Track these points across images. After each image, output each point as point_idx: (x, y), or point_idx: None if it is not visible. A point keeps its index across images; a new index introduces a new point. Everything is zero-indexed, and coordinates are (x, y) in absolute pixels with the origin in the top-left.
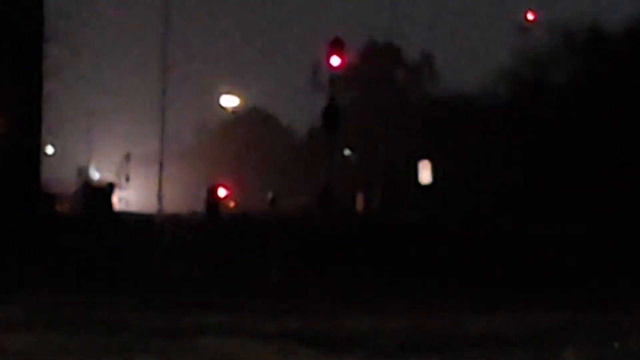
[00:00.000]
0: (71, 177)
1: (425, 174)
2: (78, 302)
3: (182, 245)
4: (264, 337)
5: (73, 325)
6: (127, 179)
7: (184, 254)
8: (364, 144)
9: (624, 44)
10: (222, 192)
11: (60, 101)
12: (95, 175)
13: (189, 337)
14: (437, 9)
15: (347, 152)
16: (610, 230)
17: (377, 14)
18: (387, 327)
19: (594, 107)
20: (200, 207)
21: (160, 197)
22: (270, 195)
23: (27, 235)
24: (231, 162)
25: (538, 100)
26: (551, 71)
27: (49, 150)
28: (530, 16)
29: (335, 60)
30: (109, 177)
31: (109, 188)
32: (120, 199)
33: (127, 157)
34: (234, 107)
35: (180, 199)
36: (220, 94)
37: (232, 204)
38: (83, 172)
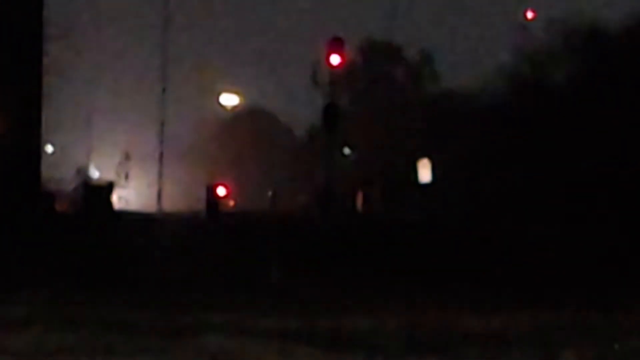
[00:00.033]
0: (71, 176)
1: (424, 172)
2: (78, 301)
3: (182, 244)
4: (264, 336)
5: (73, 325)
6: (127, 178)
7: (184, 253)
8: (363, 143)
9: (623, 42)
10: (221, 191)
11: (60, 100)
12: (94, 174)
13: (189, 336)
14: (437, 8)
15: (346, 151)
16: (610, 229)
17: (377, 12)
18: (387, 326)
19: (594, 106)
20: (200, 206)
21: (160, 196)
22: (270, 194)
23: (26, 234)
24: (231, 161)
25: (537, 99)
26: (551, 70)
27: (49, 149)
28: (529, 15)
29: (335, 59)
30: (109, 176)
31: (109, 187)
32: (119, 198)
33: (127, 156)
34: (234, 106)
35: (180, 198)
36: (220, 92)
37: (231, 203)
38: (82, 171)
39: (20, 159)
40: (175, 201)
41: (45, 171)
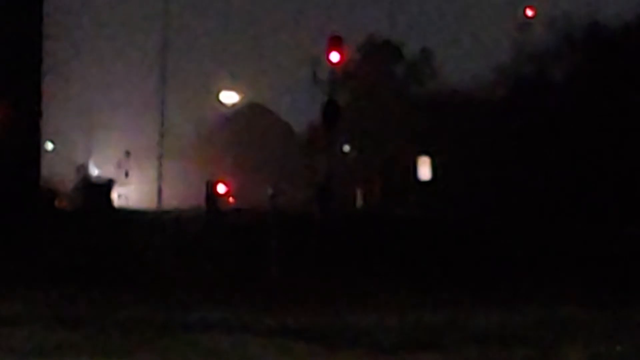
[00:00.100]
0: (70, 173)
1: (424, 170)
2: (78, 298)
3: (181, 242)
4: (264, 333)
5: (73, 321)
6: (127, 175)
7: (184, 251)
8: (363, 140)
9: (623, 39)
10: (221, 188)
11: (60, 98)
12: (94, 171)
13: (189, 332)
14: (437, 5)
15: (346, 148)
16: (610, 227)
17: (377, 9)
18: (387, 323)
19: (594, 103)
20: (200, 203)
21: (159, 193)
22: (269, 191)
23: (26, 231)
24: (230, 158)
25: (537, 96)
26: (551, 67)
27: (49, 146)
28: (529, 12)
29: (334, 57)
30: (109, 173)
31: (109, 184)
32: (119, 196)
33: (127, 153)
34: (234, 103)
35: (179, 195)
36: (219, 90)
37: (231, 200)
38: (82, 168)
39: (20, 157)
40: (175, 198)
41: (45, 169)
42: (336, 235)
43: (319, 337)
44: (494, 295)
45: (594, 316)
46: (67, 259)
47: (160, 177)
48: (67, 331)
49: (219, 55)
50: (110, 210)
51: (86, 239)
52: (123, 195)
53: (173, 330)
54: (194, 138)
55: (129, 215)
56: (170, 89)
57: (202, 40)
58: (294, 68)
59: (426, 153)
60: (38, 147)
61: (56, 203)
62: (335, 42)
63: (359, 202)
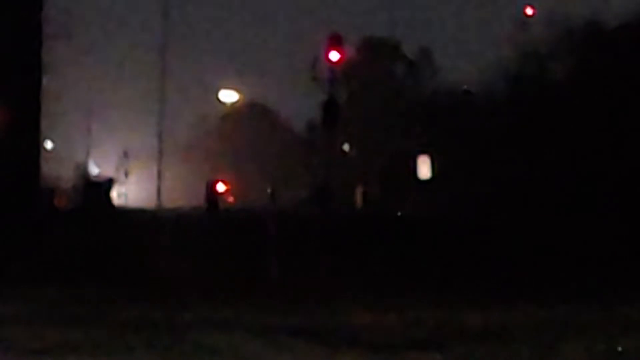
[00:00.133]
0: (70, 172)
1: (424, 169)
2: (77, 297)
3: (181, 241)
4: (263, 332)
5: (73, 320)
6: (126, 175)
7: (184, 250)
8: (362, 139)
9: (622, 38)
10: (221, 187)
11: (59, 96)
12: (94, 170)
13: (189, 331)
14: (436, 4)
15: (346, 147)
16: (610, 225)
17: (376, 8)
18: (386, 322)
19: (593, 101)
20: (199, 202)
21: (159, 192)
22: (269, 190)
23: (26, 230)
24: (230, 157)
25: (537, 94)
26: (550, 66)
27: (48, 145)
28: (529, 11)
29: (334, 56)
30: (108, 172)
31: (108, 183)
32: (119, 194)
33: (127, 152)
34: (233, 102)
35: (179, 194)
36: (219, 89)
37: (231, 199)
38: (82, 167)
39: (19, 155)
40: (174, 197)
41: (45, 167)
42: (335, 234)
43: (318, 336)
44: (494, 294)
45: (594, 315)
46: (66, 258)
47: (159, 176)
48: (67, 330)
49: (219, 55)
50: (109, 209)
51: (86, 238)
52: (123, 194)
53: (173, 329)
54: (193, 137)
55: (128, 214)
56: (169, 89)
57: (201, 40)
58: (294, 67)
59: (426, 152)
60: (38, 145)
61: (56, 202)
62: (335, 41)
63: (359, 201)
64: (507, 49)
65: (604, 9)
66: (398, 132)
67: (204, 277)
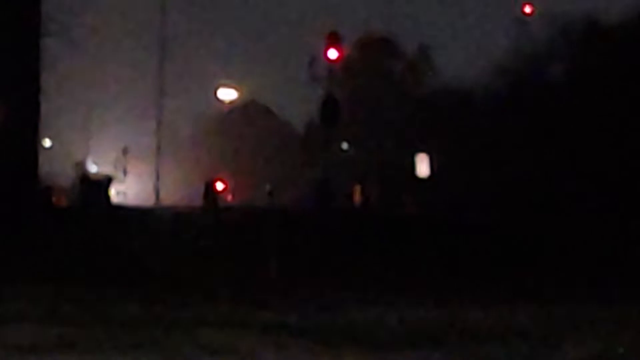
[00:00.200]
0: (69, 171)
1: (422, 167)
2: (76, 295)
3: (179, 239)
4: (262, 330)
5: (71, 319)
6: (125, 173)
7: (182, 248)
8: (361, 137)
9: (621, 36)
10: (219, 186)
11: (58, 94)
12: (92, 168)
13: (187, 329)
14: (435, 3)
15: (344, 145)
16: (609, 223)
17: (374, 6)
18: (386, 320)
19: (592, 100)
20: (198, 200)
21: (157, 191)
22: (268, 188)
23: (24, 229)
24: (229, 155)
25: (535, 93)
26: (548, 64)
27: (47, 143)
28: (527, 9)
29: (332, 54)
30: (107, 170)
31: (107, 181)
32: (118, 192)
33: (125, 151)
34: (232, 100)
35: (178, 192)
36: (217, 87)
37: (229, 197)
38: (80, 165)
39: (17, 153)
40: (173, 195)
41: (43, 165)
42: (335, 232)
43: (317, 334)
44: (494, 292)
45: (595, 313)
46: (65, 256)
47: (158, 174)
48: (65, 328)
49: (217, 53)
50: (108, 207)
51: (84, 236)
52: (121, 192)
53: (171, 326)
54: (192, 135)
55: (126, 212)
56: (168, 87)
57: (200, 39)
58: (292, 65)
59: (424, 150)
60: (36, 143)
61: (54, 200)
62: (333, 39)
63: (358, 199)
64: (505, 48)
65: (602, 8)
66: (396, 130)
67: (202, 275)
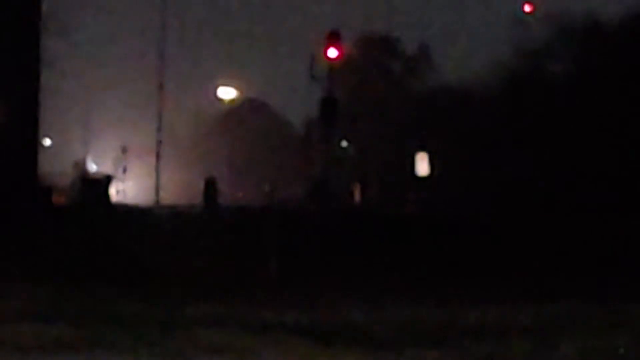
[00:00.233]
0: (68, 170)
1: (422, 166)
2: (76, 294)
3: (179, 238)
4: (262, 329)
5: (71, 317)
6: (124, 171)
7: (182, 247)
8: (361, 136)
9: (620, 35)
10: (219, 185)
11: (58, 94)
12: (92, 167)
13: (187, 328)
14: (435, 1)
15: (344, 143)
16: (609, 222)
17: (374, 5)
18: (385, 318)
19: (591, 99)
20: (197, 199)
21: (157, 189)
22: (267, 187)
23: (24, 227)
24: (228, 154)
25: (535, 92)
26: (548, 63)
27: (47, 142)
28: (527, 8)
29: (332, 53)
30: (106, 169)
31: (106, 180)
32: (117, 191)
33: (125, 149)
34: (232, 99)
35: (178, 191)
36: (217, 86)
37: (229, 196)
38: (80, 164)
39: (18, 153)
40: (173, 194)
41: (43, 164)
42: (334, 231)
43: (317, 333)
44: (493, 291)
45: (593, 311)
46: (65, 255)
47: (157, 173)
48: (65, 327)
49: (217, 52)
50: (107, 206)
51: (84, 235)
52: (121, 191)
53: (171, 325)
54: (192, 134)
55: (126, 211)
56: (168, 85)
57: (200, 37)
58: (292, 64)
59: (424, 149)
60: (36, 143)
61: (54, 199)
62: (333, 38)
63: (357, 197)
64: (505, 47)
65: (602, 6)
66: (396, 128)
67: (202, 274)
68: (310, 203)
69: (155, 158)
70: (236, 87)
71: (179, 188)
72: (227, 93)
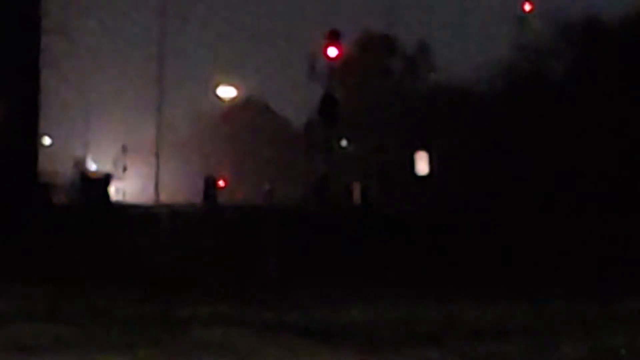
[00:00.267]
0: (68, 168)
1: (422, 165)
2: (75, 293)
3: (179, 237)
4: (261, 328)
5: (70, 317)
6: (124, 170)
7: (182, 246)
8: (360, 135)
9: (620, 34)
10: (219, 183)
11: (57, 92)
12: (92, 166)
13: (187, 328)
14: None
15: (343, 142)
16: (608, 221)
17: (374, 4)
18: (384, 318)
19: (591, 98)
20: (197, 197)
21: (157, 188)
22: (267, 186)
23: (23, 226)
24: (228, 153)
25: (535, 90)
26: (548, 62)
27: (46, 141)
28: (527, 7)
29: (332, 52)
30: (106, 168)
31: (106, 179)
32: (117, 190)
33: (124, 148)
34: (231, 98)
35: (177, 190)
36: (217, 84)
37: (229, 195)
38: (80, 163)
39: (17, 151)
40: (172, 193)
41: (43, 163)
42: (334, 230)
43: (317, 332)
44: (493, 290)
45: (593, 311)
46: (64, 255)
47: (157, 171)
48: (64, 327)
49: (217, 51)
50: (107, 205)
51: (83, 234)
52: (121, 190)
53: (171, 325)
54: (192, 133)
55: (126, 210)
56: (167, 84)
57: (199, 36)
58: (292, 63)
59: (424, 148)
60: (35, 141)
61: (53, 198)
62: (333, 37)
63: (357, 197)
64: (505, 46)
65: (602, 5)
66: (396, 128)
67: (202, 273)
68: (310, 202)
69: (155, 157)
70: (236, 86)
71: (178, 187)
72: (226, 92)
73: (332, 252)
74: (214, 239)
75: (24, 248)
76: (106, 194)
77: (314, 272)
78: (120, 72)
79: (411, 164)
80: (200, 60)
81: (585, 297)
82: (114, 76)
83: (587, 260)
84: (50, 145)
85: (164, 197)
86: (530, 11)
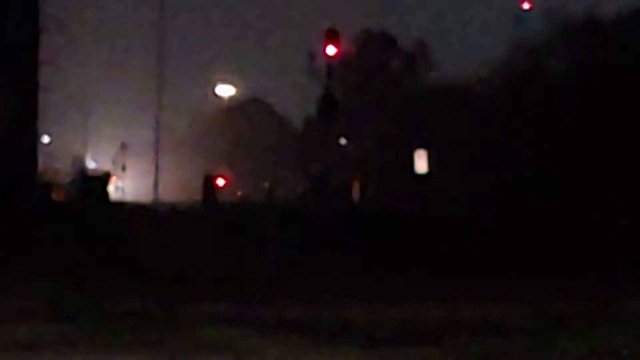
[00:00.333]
0: (67, 166)
1: (421, 163)
2: (76, 292)
3: (179, 236)
4: (262, 326)
5: (71, 315)
6: (124, 168)
7: (182, 244)
8: (359, 134)
9: (620, 33)
10: (218, 181)
11: (56, 91)
12: (91, 164)
13: (188, 326)
14: None
15: (343, 141)
16: (608, 220)
17: (373, 2)
18: (384, 316)
19: (591, 97)
20: (196, 195)
21: (156, 186)
22: (266, 185)
23: (23, 224)
24: (227, 151)
25: (534, 89)
26: (547, 60)
27: (46, 139)
28: (526, 5)
29: (331, 50)
30: (105, 166)
31: (105, 177)
32: (116, 188)
33: (124, 146)
34: (230, 96)
35: (176, 188)
36: (216, 83)
37: (229, 193)
38: (79, 161)
39: (17, 150)
40: (172, 191)
41: (42, 162)
42: (333, 229)
43: (316, 330)
44: (492, 289)
45: (593, 310)
46: (64, 252)
47: (156, 170)
48: (65, 325)
49: (216, 49)
50: (106, 203)
51: (83, 232)
52: (120, 188)
53: (171, 323)
54: (191, 131)
55: (125, 208)
56: (166, 83)
57: (198, 35)
58: (291, 62)
59: (423, 146)
60: (35, 140)
61: (53, 196)
62: (332, 36)
63: (356, 195)
64: (504, 44)
65: (601, 4)
66: (395, 126)
67: (202, 271)
68: (309, 201)
69: (154, 155)
70: (235, 85)
71: (177, 185)
72: (225, 90)
73: (331, 250)
74: (214, 237)
75: (24, 246)
76: (105, 192)
77: (314, 270)
78: (119, 71)
79: (410, 162)
80: (199, 59)
81: (586, 296)
82: (112, 75)
83: (587, 260)
84: (50, 143)
85: (163, 195)
86: (529, 10)
